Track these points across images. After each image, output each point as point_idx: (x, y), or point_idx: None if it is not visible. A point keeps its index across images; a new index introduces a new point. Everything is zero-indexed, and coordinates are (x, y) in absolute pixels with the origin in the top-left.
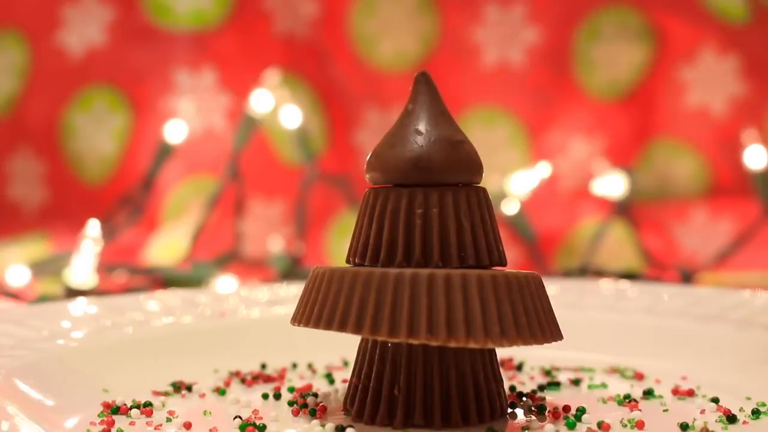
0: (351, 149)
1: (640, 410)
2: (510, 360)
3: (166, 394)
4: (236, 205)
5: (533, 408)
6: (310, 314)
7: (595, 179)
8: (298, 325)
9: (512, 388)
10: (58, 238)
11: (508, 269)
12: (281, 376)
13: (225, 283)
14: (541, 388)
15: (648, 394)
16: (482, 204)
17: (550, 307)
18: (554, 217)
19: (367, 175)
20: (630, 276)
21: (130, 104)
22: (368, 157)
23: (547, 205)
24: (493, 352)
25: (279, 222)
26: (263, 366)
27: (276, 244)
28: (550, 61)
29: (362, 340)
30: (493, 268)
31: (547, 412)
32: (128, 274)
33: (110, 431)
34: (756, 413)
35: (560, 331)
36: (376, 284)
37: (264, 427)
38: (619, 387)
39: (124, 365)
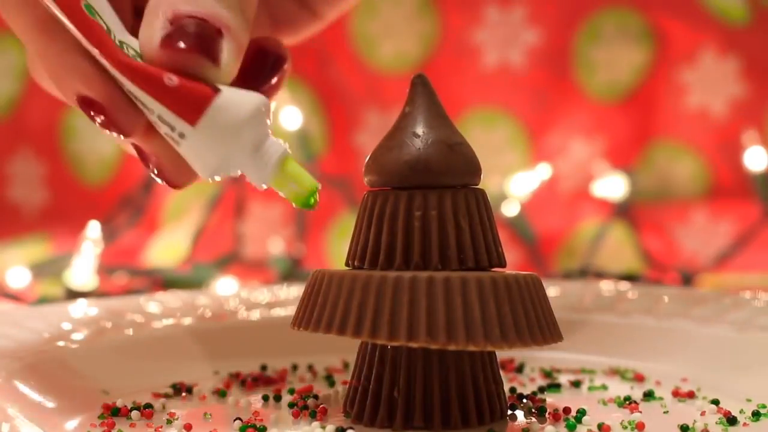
0: (351, 151)
1: (640, 412)
2: (510, 362)
3: (166, 396)
4: (236, 207)
5: (533, 410)
6: (309, 318)
7: (595, 181)
8: (298, 329)
9: (512, 390)
10: (59, 239)
11: (507, 271)
12: (281, 377)
13: (225, 284)
14: (542, 389)
15: (648, 395)
16: (481, 205)
17: (550, 308)
18: (554, 219)
19: (365, 179)
20: (630, 277)
21: None
22: (366, 161)
23: (548, 207)
24: (493, 354)
25: (279, 224)
26: (263, 368)
27: (276, 246)
28: (551, 63)
29: (362, 342)
30: (493, 269)
31: (547, 413)
32: (129, 276)
33: None
34: (756, 415)
35: (560, 332)
36: (375, 288)
37: (264, 428)
38: (619, 389)
39: (124, 367)
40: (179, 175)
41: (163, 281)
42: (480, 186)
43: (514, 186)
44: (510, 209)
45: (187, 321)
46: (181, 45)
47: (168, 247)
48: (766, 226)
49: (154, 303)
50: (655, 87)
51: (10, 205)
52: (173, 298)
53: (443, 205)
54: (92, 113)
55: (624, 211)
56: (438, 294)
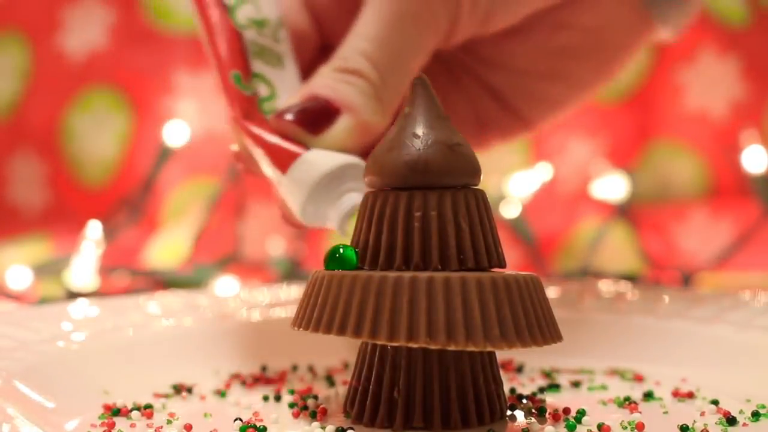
0: None
1: (640, 412)
2: (510, 362)
3: (166, 396)
4: (237, 207)
5: (533, 410)
6: (310, 318)
7: (595, 181)
8: (299, 329)
9: (512, 390)
10: (59, 239)
11: (507, 271)
12: (281, 378)
13: (225, 285)
14: (541, 390)
15: (648, 396)
16: (480, 206)
17: (550, 308)
18: (554, 219)
19: (366, 179)
20: (630, 277)
21: (131, 106)
22: (367, 161)
23: (547, 207)
24: (492, 354)
25: (279, 224)
26: (264, 368)
27: (276, 246)
28: None
29: (362, 342)
30: (493, 270)
31: (547, 414)
32: (129, 276)
33: None
34: (756, 415)
35: (560, 332)
36: (375, 288)
37: (264, 429)
38: (619, 389)
39: (124, 367)
40: (293, 219)
41: (163, 282)
42: (479, 186)
43: (514, 186)
44: (510, 209)
45: (188, 321)
46: (287, 117)
47: (168, 247)
48: (766, 226)
49: (154, 303)
50: (655, 87)
51: (10, 205)
52: (173, 298)
53: (443, 206)
54: (237, 160)
55: (624, 212)
56: (438, 294)
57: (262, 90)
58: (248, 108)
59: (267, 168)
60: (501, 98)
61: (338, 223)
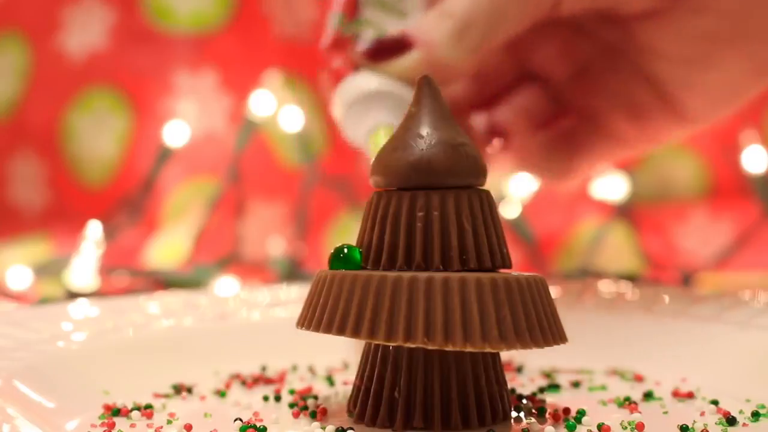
0: (351, 151)
1: (639, 412)
2: (510, 362)
3: (166, 396)
4: (237, 207)
5: (533, 410)
6: (312, 318)
7: (595, 181)
8: (302, 329)
9: (512, 391)
10: (59, 239)
11: (512, 272)
12: (281, 378)
13: (225, 285)
14: (541, 390)
15: (648, 396)
16: (485, 206)
17: (554, 309)
18: (554, 219)
19: (371, 179)
20: (630, 277)
21: (131, 106)
22: (372, 161)
23: (547, 207)
24: (496, 355)
25: (279, 224)
26: (264, 368)
27: (276, 246)
28: None
29: (366, 342)
30: (498, 270)
31: (547, 414)
32: (129, 276)
33: None
34: (756, 415)
35: (564, 334)
36: (375, 288)
37: (264, 429)
38: (618, 389)
39: (124, 367)
40: None
41: (163, 281)
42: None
43: (514, 186)
44: (510, 210)
45: (188, 321)
46: (360, 47)
47: (168, 247)
48: (766, 226)
49: (154, 303)
50: None
51: (10, 205)
52: (173, 298)
53: (446, 206)
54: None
55: (624, 212)
56: (436, 294)
57: (368, 34)
58: (339, 41)
59: (330, 90)
60: (657, 86)
61: (364, 142)
